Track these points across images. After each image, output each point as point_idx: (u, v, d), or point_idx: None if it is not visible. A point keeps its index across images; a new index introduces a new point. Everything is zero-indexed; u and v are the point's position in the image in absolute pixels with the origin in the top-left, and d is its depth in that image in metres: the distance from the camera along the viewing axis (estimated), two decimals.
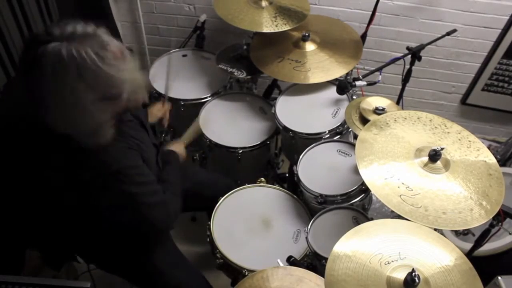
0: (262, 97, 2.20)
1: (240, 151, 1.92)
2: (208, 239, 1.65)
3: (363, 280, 1.05)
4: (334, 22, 2.18)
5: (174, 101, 2.07)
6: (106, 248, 1.52)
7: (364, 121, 1.71)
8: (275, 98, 2.02)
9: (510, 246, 1.66)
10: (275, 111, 1.95)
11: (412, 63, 1.96)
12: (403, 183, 1.24)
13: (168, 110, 1.84)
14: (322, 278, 1.30)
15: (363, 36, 2.11)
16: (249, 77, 2.11)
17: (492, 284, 1.49)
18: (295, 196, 1.76)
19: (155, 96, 2.11)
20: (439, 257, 1.11)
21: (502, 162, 2.37)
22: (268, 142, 1.99)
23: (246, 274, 1.49)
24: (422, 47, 1.92)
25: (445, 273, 1.08)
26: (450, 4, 2.25)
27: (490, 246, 1.67)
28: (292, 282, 1.31)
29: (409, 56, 1.92)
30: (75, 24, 1.07)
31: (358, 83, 1.77)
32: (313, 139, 1.84)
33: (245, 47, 2.15)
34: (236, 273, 1.57)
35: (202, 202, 1.78)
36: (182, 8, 2.54)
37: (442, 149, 1.26)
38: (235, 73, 2.10)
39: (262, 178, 1.81)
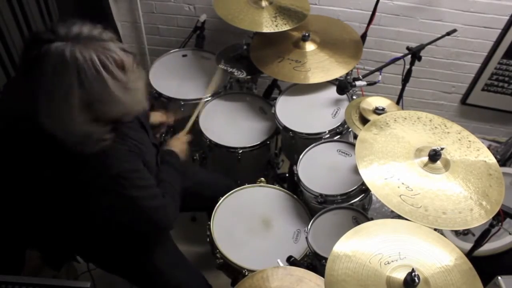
0: (262, 97, 2.20)
1: (240, 151, 1.92)
2: (208, 239, 1.65)
3: (363, 280, 1.05)
4: (334, 22, 2.18)
5: (174, 101, 2.07)
6: (106, 248, 1.52)
7: (364, 121, 1.71)
8: (275, 98, 2.02)
9: (510, 246, 1.66)
10: (275, 111, 1.95)
11: (412, 63, 1.96)
12: (403, 183, 1.24)
13: (168, 122, 1.84)
14: (322, 278, 1.30)
15: (363, 36, 2.11)
16: (249, 77, 2.11)
17: (492, 284, 1.49)
18: (295, 196, 1.76)
19: (155, 96, 2.11)
20: (439, 257, 1.11)
21: (502, 162, 2.37)
22: (268, 142, 1.99)
23: (246, 274, 1.49)
24: (422, 47, 1.92)
25: (445, 273, 1.08)
26: (450, 4, 2.25)
27: (490, 246, 1.67)
28: (292, 282, 1.31)
29: (409, 56, 1.92)
30: (82, 25, 1.06)
31: (358, 83, 1.77)
32: (313, 139, 1.84)
33: (245, 47, 2.15)
34: (236, 273, 1.57)
35: (202, 202, 1.78)
36: (182, 8, 2.54)
37: (442, 149, 1.26)
38: (235, 73, 2.10)
39: (262, 178, 1.81)
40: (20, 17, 1.81)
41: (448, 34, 1.99)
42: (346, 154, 1.77)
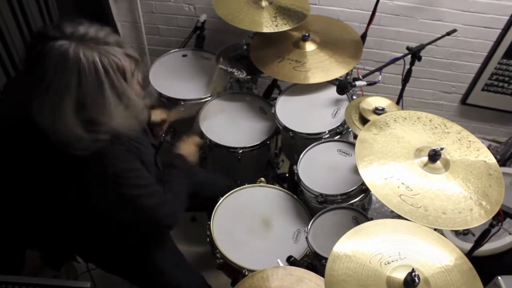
0: (262, 97, 2.20)
1: (240, 151, 1.92)
2: (208, 239, 1.65)
3: (363, 280, 1.05)
4: (334, 22, 2.18)
5: (174, 101, 2.07)
6: (106, 248, 1.52)
7: (364, 121, 1.71)
8: (275, 98, 2.02)
9: (510, 246, 1.66)
10: (275, 111, 1.95)
11: (412, 63, 1.96)
12: (403, 183, 1.24)
13: (170, 120, 1.84)
14: (322, 278, 1.30)
15: (363, 36, 2.11)
16: (249, 77, 2.11)
17: (492, 284, 1.49)
18: (295, 196, 1.76)
19: (155, 97, 2.11)
20: (439, 257, 1.11)
21: (502, 162, 2.37)
22: (268, 142, 1.99)
23: (246, 274, 1.49)
24: (422, 47, 1.92)
25: (445, 273, 1.08)
26: (450, 4, 2.25)
27: (490, 246, 1.67)
28: (292, 282, 1.31)
29: (409, 56, 1.92)
30: (89, 26, 1.06)
31: (358, 83, 1.77)
32: (313, 139, 1.84)
33: (245, 47, 2.15)
34: (236, 273, 1.57)
35: (202, 202, 1.78)
36: (182, 8, 2.54)
37: (442, 149, 1.26)
38: (235, 73, 2.10)
39: (262, 178, 1.81)
40: (20, 17, 1.81)
41: (448, 34, 1.99)
42: (346, 154, 1.77)
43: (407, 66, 1.96)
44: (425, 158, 1.29)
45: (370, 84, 1.82)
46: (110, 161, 1.16)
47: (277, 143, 2.19)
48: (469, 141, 1.37)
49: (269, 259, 1.48)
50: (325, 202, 1.64)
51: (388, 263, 1.09)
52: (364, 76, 1.80)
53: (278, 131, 2.00)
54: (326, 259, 1.35)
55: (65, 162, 1.15)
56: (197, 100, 2.08)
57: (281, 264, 1.44)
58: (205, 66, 2.27)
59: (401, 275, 1.04)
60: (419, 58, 1.93)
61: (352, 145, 1.78)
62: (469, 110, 2.72)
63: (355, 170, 1.65)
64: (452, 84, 2.61)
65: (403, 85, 2.06)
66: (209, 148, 2.00)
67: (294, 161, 1.81)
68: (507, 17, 2.23)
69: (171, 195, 1.36)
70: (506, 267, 1.62)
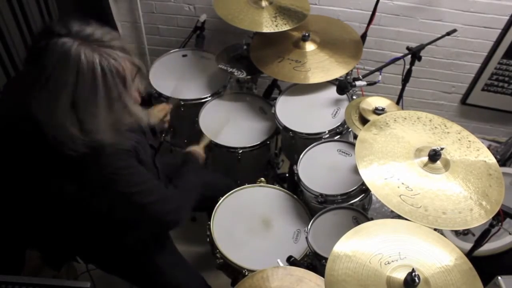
0: (262, 97, 2.20)
1: (240, 151, 1.92)
2: (208, 239, 1.65)
3: (363, 280, 1.05)
4: (334, 22, 2.18)
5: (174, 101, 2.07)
6: (106, 248, 1.52)
7: (364, 121, 1.71)
8: (275, 98, 2.02)
9: (510, 246, 1.66)
10: (275, 111, 1.95)
11: (412, 63, 1.96)
12: (403, 183, 1.24)
13: (169, 111, 1.83)
14: (322, 278, 1.30)
15: (363, 36, 2.11)
16: (249, 77, 2.11)
17: (492, 284, 1.49)
18: (295, 196, 1.76)
19: (155, 97, 2.11)
20: (439, 257, 1.11)
21: (502, 162, 2.37)
22: (268, 142, 1.99)
23: (246, 274, 1.49)
24: (422, 47, 1.92)
25: (445, 273, 1.08)
26: (450, 4, 2.25)
27: (490, 246, 1.67)
28: (292, 282, 1.31)
29: (409, 56, 1.92)
30: (96, 28, 1.07)
31: (358, 83, 1.77)
32: (313, 139, 1.84)
33: (245, 47, 2.15)
34: (236, 273, 1.57)
35: (202, 202, 1.77)
36: (182, 8, 2.54)
37: (442, 149, 1.26)
38: (235, 73, 2.10)
39: (262, 178, 1.81)
40: (20, 17, 1.81)
41: (448, 34, 1.99)
42: (346, 154, 1.77)
43: (407, 66, 1.96)
44: (425, 158, 1.28)
45: (370, 84, 1.82)
46: (106, 160, 1.15)
47: (277, 143, 2.19)
48: (469, 141, 1.37)
49: (269, 259, 1.48)
50: (325, 202, 1.64)
51: (388, 263, 1.09)
52: (364, 76, 1.80)
53: (278, 131, 2.00)
54: (326, 259, 1.35)
55: (63, 162, 1.15)
56: (197, 100, 2.08)
57: (281, 264, 1.44)
58: (205, 66, 2.27)
59: (401, 275, 1.04)
60: (419, 58, 1.93)
61: (352, 145, 1.78)
62: (469, 110, 2.72)
63: (355, 170, 1.65)
64: (452, 84, 2.61)
65: (403, 85, 2.06)
66: (209, 148, 2.00)
67: (294, 161, 1.81)
68: (507, 17, 2.23)
69: (175, 191, 1.36)
70: (506, 267, 1.62)
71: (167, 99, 2.06)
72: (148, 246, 1.54)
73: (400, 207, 1.19)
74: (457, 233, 1.88)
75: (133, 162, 1.25)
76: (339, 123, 1.85)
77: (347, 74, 1.99)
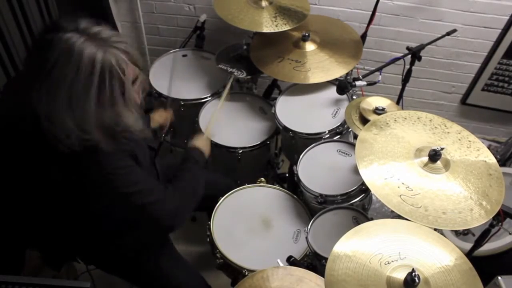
0: (262, 97, 2.20)
1: (240, 151, 1.92)
2: (208, 239, 1.65)
3: (363, 280, 1.05)
4: (334, 22, 2.18)
5: (174, 101, 2.07)
6: (106, 248, 1.52)
7: (364, 121, 1.71)
8: (275, 98, 2.02)
9: (510, 246, 1.66)
10: (275, 111, 1.95)
11: (412, 63, 1.96)
12: (403, 183, 1.24)
13: (170, 117, 1.83)
14: (322, 278, 1.30)
15: (363, 36, 2.11)
16: (249, 77, 2.11)
17: (492, 284, 1.49)
18: (295, 196, 1.76)
19: (155, 97, 2.11)
20: (439, 257, 1.11)
21: (502, 162, 2.37)
22: (268, 142, 1.99)
23: (246, 274, 1.49)
24: (422, 47, 1.92)
25: (445, 273, 1.08)
26: (450, 4, 2.25)
27: (490, 246, 1.67)
28: (292, 282, 1.31)
29: (409, 56, 1.92)
30: (104, 28, 1.08)
31: (358, 83, 1.77)
32: (313, 139, 1.84)
33: (245, 47, 2.15)
34: (236, 273, 1.57)
35: (202, 202, 1.77)
36: (182, 8, 2.54)
37: (442, 149, 1.26)
38: (235, 73, 2.10)
39: (262, 178, 1.81)
40: (20, 17, 1.81)
41: (448, 34, 1.99)
42: (346, 154, 1.77)
43: (407, 66, 1.96)
44: (425, 158, 1.28)
45: (370, 84, 1.82)
46: (102, 159, 1.15)
47: (277, 143, 2.19)
48: (469, 141, 1.37)
49: (269, 259, 1.48)
50: (325, 203, 1.64)
51: (388, 263, 1.09)
52: (364, 76, 1.80)
53: (278, 131, 2.00)
54: (326, 259, 1.35)
55: (61, 161, 1.15)
56: (197, 100, 2.08)
57: (281, 264, 1.44)
58: (205, 66, 2.27)
59: (401, 275, 1.04)
60: (419, 58, 1.93)
61: (352, 145, 1.78)
62: (469, 110, 2.72)
63: (355, 170, 1.65)
64: (452, 84, 2.61)
65: (403, 85, 2.06)
66: None
67: (294, 161, 1.81)
68: (507, 17, 2.23)
69: (174, 193, 1.34)
70: (506, 267, 1.62)
71: (166, 98, 2.07)
72: (148, 246, 1.54)
73: (400, 207, 1.19)
74: (457, 233, 1.88)
75: (130, 162, 1.24)
76: (339, 123, 1.85)
77: (347, 74, 1.99)
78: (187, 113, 2.06)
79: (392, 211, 1.26)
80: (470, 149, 1.35)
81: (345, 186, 1.64)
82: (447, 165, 1.28)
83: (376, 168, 1.28)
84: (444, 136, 1.38)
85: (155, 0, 2.53)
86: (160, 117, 1.79)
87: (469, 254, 1.48)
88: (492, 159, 1.32)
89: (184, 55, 2.33)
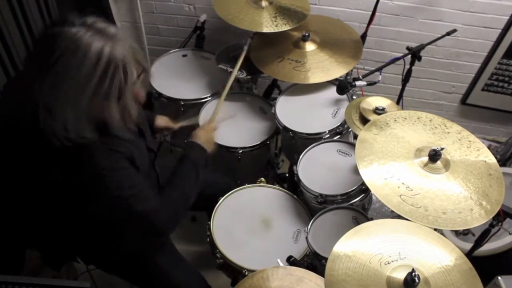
0: (262, 97, 2.20)
1: (240, 151, 1.92)
2: (208, 239, 1.65)
3: (363, 280, 1.05)
4: (334, 22, 2.18)
5: (174, 101, 2.07)
6: (106, 248, 1.52)
7: (364, 121, 1.71)
8: (275, 98, 2.02)
9: (510, 246, 1.66)
10: (275, 111, 1.95)
11: (412, 63, 1.96)
12: (403, 183, 1.24)
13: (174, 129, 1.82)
14: (322, 278, 1.30)
15: (363, 36, 2.11)
16: (249, 77, 2.11)
17: (492, 284, 1.49)
18: (295, 196, 1.76)
19: (155, 97, 2.11)
20: (439, 257, 1.11)
21: (502, 162, 2.37)
22: (268, 142, 1.99)
23: (246, 274, 1.49)
24: (422, 47, 1.92)
25: (445, 273, 1.08)
26: (450, 4, 2.25)
27: (490, 246, 1.67)
28: (292, 282, 1.31)
29: (409, 56, 1.92)
30: (110, 25, 1.09)
31: (358, 83, 1.77)
32: (313, 139, 1.84)
33: (245, 47, 2.15)
34: (236, 273, 1.57)
35: (202, 202, 1.77)
36: (182, 8, 2.54)
37: (442, 149, 1.26)
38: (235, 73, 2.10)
39: (262, 178, 1.81)
40: (20, 17, 1.81)
41: (448, 34, 1.99)
42: (346, 154, 1.77)
43: (407, 66, 1.96)
44: (425, 158, 1.28)
45: (370, 84, 1.82)
46: (95, 158, 1.14)
47: (277, 143, 2.19)
48: (469, 141, 1.37)
49: (269, 259, 1.48)
50: (325, 203, 1.64)
51: (388, 263, 1.08)
52: (364, 76, 1.80)
53: (278, 131, 2.00)
54: (326, 259, 1.34)
55: (59, 161, 1.14)
56: (197, 100, 2.08)
57: (281, 264, 1.44)
58: (205, 66, 2.27)
59: (401, 275, 1.04)
60: (419, 58, 1.93)
61: (352, 145, 1.78)
62: (469, 110, 2.72)
63: (355, 170, 1.65)
64: (452, 84, 2.61)
65: (403, 85, 2.06)
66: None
67: (294, 161, 1.81)
68: (507, 17, 2.23)
69: (168, 200, 1.31)
70: (506, 267, 1.62)
71: (168, 99, 2.06)
72: (147, 247, 1.54)
73: (400, 207, 1.19)
74: (457, 233, 1.88)
75: (126, 164, 1.22)
76: (339, 123, 1.85)
77: (347, 74, 1.99)
78: (187, 113, 2.06)
79: (392, 211, 1.26)
80: (470, 149, 1.35)
81: (345, 186, 1.64)
82: (447, 165, 1.28)
83: (376, 168, 1.28)
84: (444, 136, 1.38)
85: (155, 0, 2.53)
86: (168, 122, 1.79)
87: (469, 254, 1.48)
88: (492, 159, 1.32)
89: (184, 55, 2.33)
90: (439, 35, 1.99)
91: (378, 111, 1.71)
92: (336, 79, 1.92)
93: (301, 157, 1.77)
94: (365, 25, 2.11)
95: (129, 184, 1.21)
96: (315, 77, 1.91)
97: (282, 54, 2.00)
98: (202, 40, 2.36)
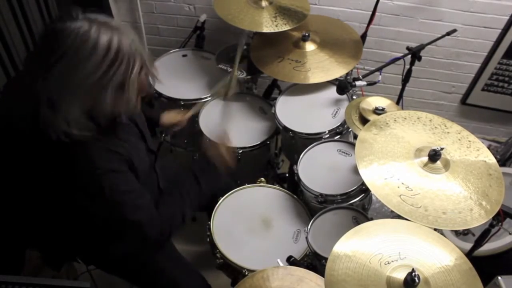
0: (262, 97, 2.20)
1: (240, 151, 1.92)
2: (208, 239, 1.65)
3: (363, 280, 1.05)
4: (334, 22, 2.18)
5: (174, 101, 2.07)
6: (106, 248, 1.52)
7: (364, 121, 1.71)
8: (275, 98, 2.02)
9: (510, 246, 1.66)
10: (275, 111, 1.95)
11: (412, 63, 1.96)
12: (403, 183, 1.24)
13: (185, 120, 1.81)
14: (323, 278, 1.30)
15: (363, 36, 2.11)
16: (249, 77, 2.11)
17: (492, 284, 1.49)
18: (295, 196, 1.76)
19: (155, 97, 2.11)
20: (439, 257, 1.11)
21: (502, 162, 2.37)
22: (268, 142, 1.99)
23: (246, 274, 1.49)
24: (422, 47, 1.92)
25: (445, 273, 1.08)
26: (450, 4, 2.25)
27: (490, 246, 1.66)
28: (293, 282, 1.31)
29: (409, 56, 1.92)
30: (109, 18, 1.09)
31: (358, 83, 1.77)
32: (313, 139, 1.84)
33: (245, 47, 2.15)
34: (236, 273, 1.57)
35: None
36: (182, 8, 2.54)
37: (442, 149, 1.26)
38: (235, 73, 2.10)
39: (262, 178, 1.81)
40: (20, 17, 1.81)
41: (448, 34, 1.99)
42: (346, 154, 1.77)
43: (407, 66, 1.96)
44: (425, 158, 1.28)
45: (370, 84, 1.82)
46: (91, 158, 1.12)
47: (277, 143, 2.19)
48: (469, 141, 1.37)
49: (269, 259, 1.48)
50: (325, 202, 1.64)
51: (388, 263, 1.08)
52: (364, 76, 1.80)
53: (278, 131, 2.00)
54: (326, 259, 1.34)
55: (58, 160, 1.14)
56: (197, 100, 2.08)
57: (281, 264, 1.44)
58: (205, 66, 2.27)
59: (401, 275, 1.04)
60: (419, 58, 1.93)
61: (352, 145, 1.78)
62: (469, 110, 2.72)
63: (355, 170, 1.65)
64: (452, 84, 2.61)
65: (403, 85, 2.06)
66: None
67: (294, 161, 1.81)
68: (507, 17, 2.23)
69: (164, 212, 1.28)
70: (506, 267, 1.62)
71: (168, 99, 2.06)
72: (144, 251, 1.53)
73: (400, 207, 1.19)
74: (457, 233, 1.88)
75: (122, 167, 1.20)
76: (339, 123, 1.85)
77: (347, 74, 1.99)
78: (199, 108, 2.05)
79: (392, 211, 1.26)
80: (470, 149, 1.35)
81: (345, 186, 1.64)
82: (447, 165, 1.28)
83: (376, 168, 1.28)
84: (444, 136, 1.38)
85: (155, 0, 2.53)
86: (175, 116, 1.78)
87: (469, 254, 1.48)
88: (492, 159, 1.32)
89: (184, 55, 2.33)
90: (439, 35, 1.99)
91: (378, 111, 1.71)
92: (336, 79, 1.92)
93: (301, 157, 1.77)
94: (365, 25, 2.11)
95: (124, 189, 1.18)
96: (315, 77, 1.91)
97: (282, 54, 2.00)
98: (202, 40, 2.36)
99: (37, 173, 1.25)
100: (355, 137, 1.86)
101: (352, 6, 2.36)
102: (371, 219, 1.53)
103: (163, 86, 2.11)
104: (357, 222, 1.57)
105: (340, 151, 1.78)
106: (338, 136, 1.86)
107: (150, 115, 1.67)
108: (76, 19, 1.04)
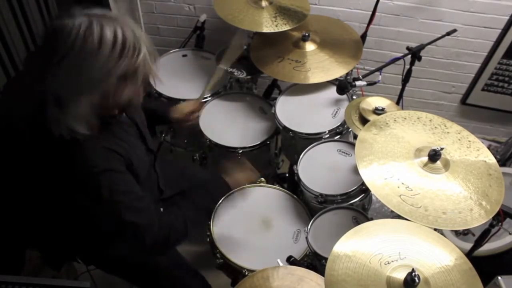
0: (262, 97, 2.20)
1: (240, 151, 1.92)
2: (208, 239, 1.65)
3: (363, 280, 1.05)
4: (334, 22, 2.18)
5: (174, 101, 2.07)
6: (105, 248, 1.52)
7: (364, 121, 1.71)
8: (275, 98, 2.02)
9: (510, 246, 1.66)
10: (275, 111, 1.95)
11: (412, 63, 1.96)
12: (403, 183, 1.24)
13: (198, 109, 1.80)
14: (323, 277, 1.30)
15: (363, 36, 2.11)
16: (249, 77, 2.11)
17: (492, 284, 1.49)
18: (295, 196, 1.76)
19: (155, 97, 2.11)
20: (439, 257, 1.11)
21: (502, 162, 2.37)
22: (268, 142, 1.99)
23: (246, 274, 1.49)
24: (422, 47, 1.92)
25: (445, 273, 1.08)
26: (450, 4, 2.25)
27: (490, 246, 1.66)
28: (293, 282, 1.32)
29: (409, 56, 1.92)
30: (106, 11, 1.09)
31: (358, 83, 1.77)
32: (313, 139, 1.84)
33: (245, 47, 2.15)
34: (236, 273, 1.57)
35: None
36: (182, 8, 2.54)
37: (442, 149, 1.26)
38: (235, 73, 2.10)
39: (262, 178, 1.81)
40: (20, 17, 1.81)
41: (448, 34, 1.99)
42: (346, 154, 1.77)
43: (407, 66, 1.96)
44: (425, 158, 1.28)
45: (370, 84, 1.82)
46: (88, 156, 1.11)
47: (277, 143, 2.18)
48: (469, 141, 1.37)
49: (269, 259, 1.48)
50: (325, 202, 1.64)
51: (388, 263, 1.09)
52: (364, 76, 1.80)
53: (278, 131, 2.00)
54: (326, 259, 1.34)
55: (55, 156, 1.13)
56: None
57: (281, 264, 1.44)
58: (205, 66, 2.27)
59: (401, 275, 1.04)
60: (419, 58, 1.93)
61: (352, 145, 1.78)
62: (469, 110, 2.72)
63: (355, 170, 1.65)
64: (452, 84, 2.61)
65: (403, 85, 2.06)
66: (209, 148, 2.00)
67: (294, 161, 1.81)
68: (507, 17, 2.23)
69: (167, 219, 1.25)
70: (506, 267, 1.62)
71: (168, 99, 2.06)
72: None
73: (400, 207, 1.19)
74: (457, 233, 1.88)
75: (121, 167, 1.18)
76: (339, 123, 1.85)
77: (347, 74, 1.99)
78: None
79: (392, 211, 1.26)
80: (470, 149, 1.35)
81: (345, 186, 1.64)
82: (447, 165, 1.28)
83: (376, 168, 1.28)
84: (444, 136, 1.38)
85: (155, 0, 2.53)
86: (187, 106, 1.76)
87: (469, 254, 1.48)
88: (492, 159, 1.32)
89: (184, 55, 2.32)
90: (439, 35, 1.99)
91: (378, 111, 1.71)
92: (336, 79, 1.92)
93: (301, 157, 1.77)
94: (365, 25, 2.11)
95: (122, 189, 1.17)
96: (315, 77, 1.91)
97: (282, 54, 2.00)
98: (202, 40, 2.36)
99: (36, 172, 1.25)
100: (355, 137, 1.86)
101: (352, 6, 2.36)
102: (371, 219, 1.53)
103: (163, 86, 2.11)
104: (357, 222, 1.57)
105: (340, 151, 1.78)
106: (338, 136, 1.86)
107: (150, 108, 1.61)
108: (74, 16, 1.03)
